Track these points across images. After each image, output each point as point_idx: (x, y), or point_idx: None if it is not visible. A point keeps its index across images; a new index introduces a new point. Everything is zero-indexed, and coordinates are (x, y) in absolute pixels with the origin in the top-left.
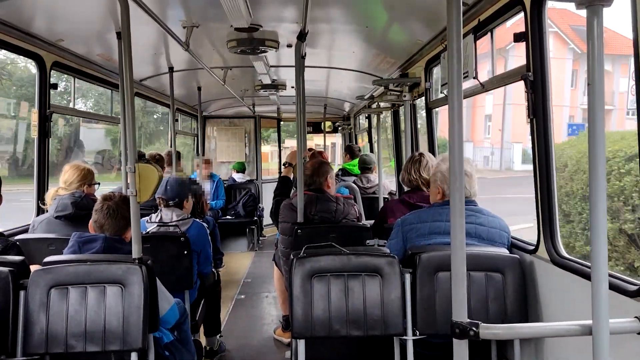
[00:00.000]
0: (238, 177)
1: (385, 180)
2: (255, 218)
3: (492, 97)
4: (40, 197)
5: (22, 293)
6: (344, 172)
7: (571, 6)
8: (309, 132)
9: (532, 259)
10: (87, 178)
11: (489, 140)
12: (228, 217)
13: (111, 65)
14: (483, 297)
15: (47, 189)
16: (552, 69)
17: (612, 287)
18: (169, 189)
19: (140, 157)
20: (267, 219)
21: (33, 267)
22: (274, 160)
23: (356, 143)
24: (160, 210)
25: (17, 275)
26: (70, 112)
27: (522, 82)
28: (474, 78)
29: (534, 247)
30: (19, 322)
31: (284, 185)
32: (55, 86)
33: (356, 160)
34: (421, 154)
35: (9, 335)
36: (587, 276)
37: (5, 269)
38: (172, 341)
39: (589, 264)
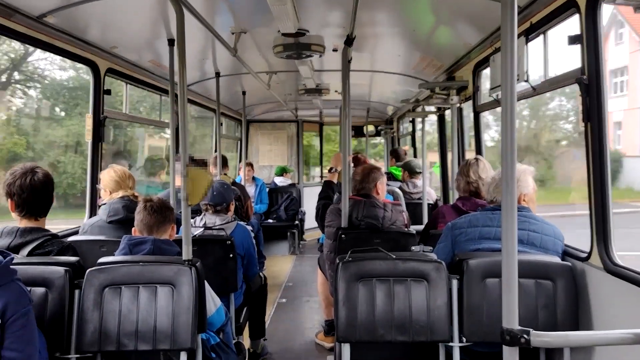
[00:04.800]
0: (280, 181)
1: (429, 188)
2: (297, 222)
3: (627, 99)
4: (93, 199)
5: (76, 292)
6: (389, 176)
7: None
8: (352, 136)
9: (584, 267)
10: (134, 181)
11: None
12: (270, 220)
13: (161, 71)
14: (533, 305)
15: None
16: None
17: None
18: (215, 195)
19: (191, 160)
20: (308, 223)
21: None
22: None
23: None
24: (204, 214)
25: (72, 275)
26: (122, 117)
27: None
28: (525, 81)
29: (586, 255)
30: (73, 320)
31: (328, 189)
32: (109, 92)
33: (401, 165)
34: (477, 159)
35: (64, 333)
36: None
37: (61, 269)
38: (218, 343)
39: None
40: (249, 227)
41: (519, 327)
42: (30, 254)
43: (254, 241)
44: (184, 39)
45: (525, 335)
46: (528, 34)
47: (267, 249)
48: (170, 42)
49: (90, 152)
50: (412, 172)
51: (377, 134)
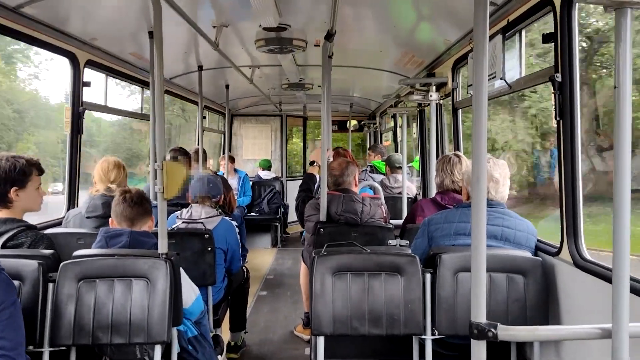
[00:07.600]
0: (264, 175)
1: (409, 183)
2: (279, 215)
3: None
4: (72, 191)
5: (50, 285)
6: (372, 169)
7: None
8: (334, 131)
9: (554, 262)
10: (117, 175)
11: None
12: (252, 213)
13: (142, 63)
14: (504, 299)
15: (78, 184)
16: None
17: (634, 290)
18: (212, 187)
19: (179, 151)
20: (291, 216)
21: None
22: None
23: (381, 142)
24: (191, 207)
25: (47, 268)
26: (102, 109)
27: None
28: (501, 79)
29: (557, 250)
30: (47, 313)
31: (309, 181)
32: (88, 84)
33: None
34: (458, 156)
35: (37, 326)
36: (609, 279)
37: (35, 262)
38: (196, 336)
39: (612, 267)
40: (234, 223)
41: (487, 321)
42: (3, 245)
43: (238, 237)
44: (161, 32)
45: (492, 329)
46: (505, 32)
47: (249, 241)
48: (151, 34)
49: (68, 144)
50: (392, 166)
51: (360, 128)
